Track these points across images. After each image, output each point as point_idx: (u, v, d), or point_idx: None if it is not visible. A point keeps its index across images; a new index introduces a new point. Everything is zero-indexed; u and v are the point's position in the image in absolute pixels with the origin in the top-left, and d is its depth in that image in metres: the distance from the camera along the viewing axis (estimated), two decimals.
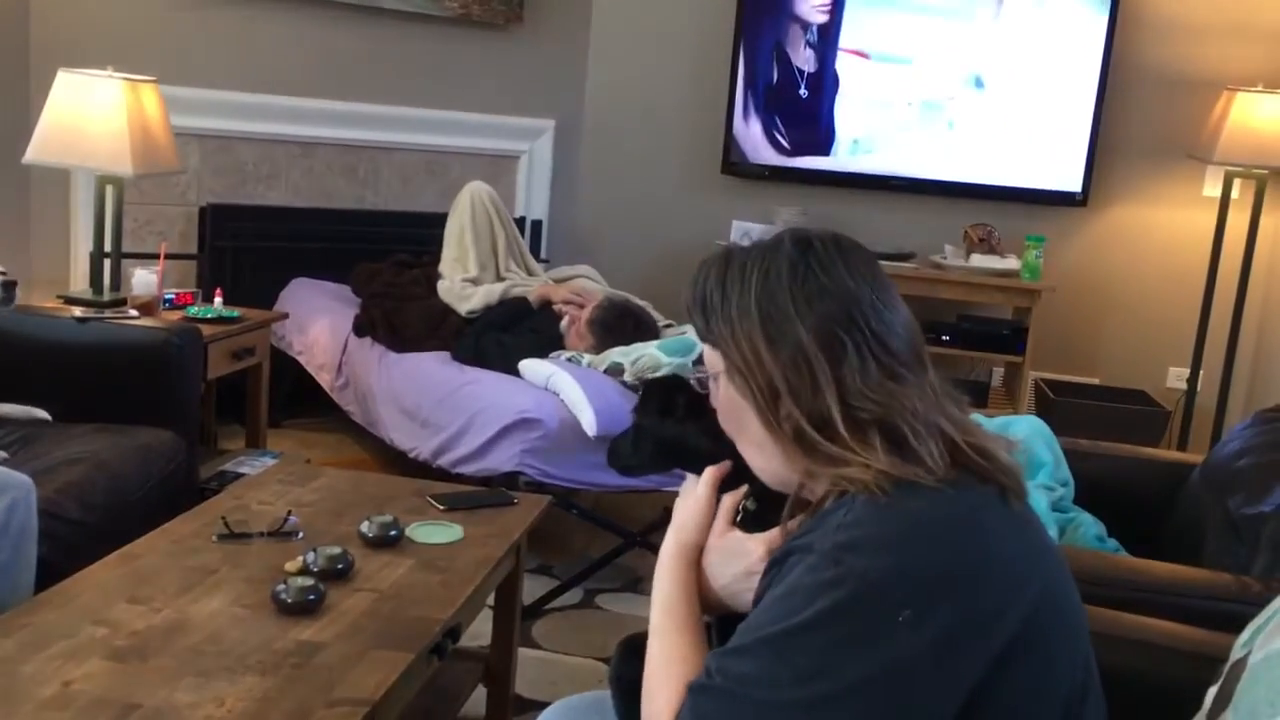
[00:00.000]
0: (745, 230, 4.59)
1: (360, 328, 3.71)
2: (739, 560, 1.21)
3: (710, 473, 1.28)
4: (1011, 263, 4.52)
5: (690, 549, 1.27)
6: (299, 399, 4.15)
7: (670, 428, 1.34)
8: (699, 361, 3.04)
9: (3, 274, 2.27)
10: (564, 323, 3.46)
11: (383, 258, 4.03)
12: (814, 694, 0.99)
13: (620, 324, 3.36)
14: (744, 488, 1.26)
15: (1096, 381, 4.71)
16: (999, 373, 4.89)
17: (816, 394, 1.10)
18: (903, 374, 1.11)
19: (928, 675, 0.99)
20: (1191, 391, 4.39)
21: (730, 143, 4.81)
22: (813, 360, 1.10)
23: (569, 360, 3.23)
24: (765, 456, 1.17)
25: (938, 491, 1.04)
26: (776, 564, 1.09)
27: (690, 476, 1.33)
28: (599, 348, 3.29)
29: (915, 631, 0.98)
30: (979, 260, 4.54)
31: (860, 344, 1.11)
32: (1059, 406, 4.25)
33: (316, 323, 3.93)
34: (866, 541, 1.02)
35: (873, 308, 1.13)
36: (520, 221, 4.55)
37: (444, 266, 3.77)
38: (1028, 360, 4.47)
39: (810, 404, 1.10)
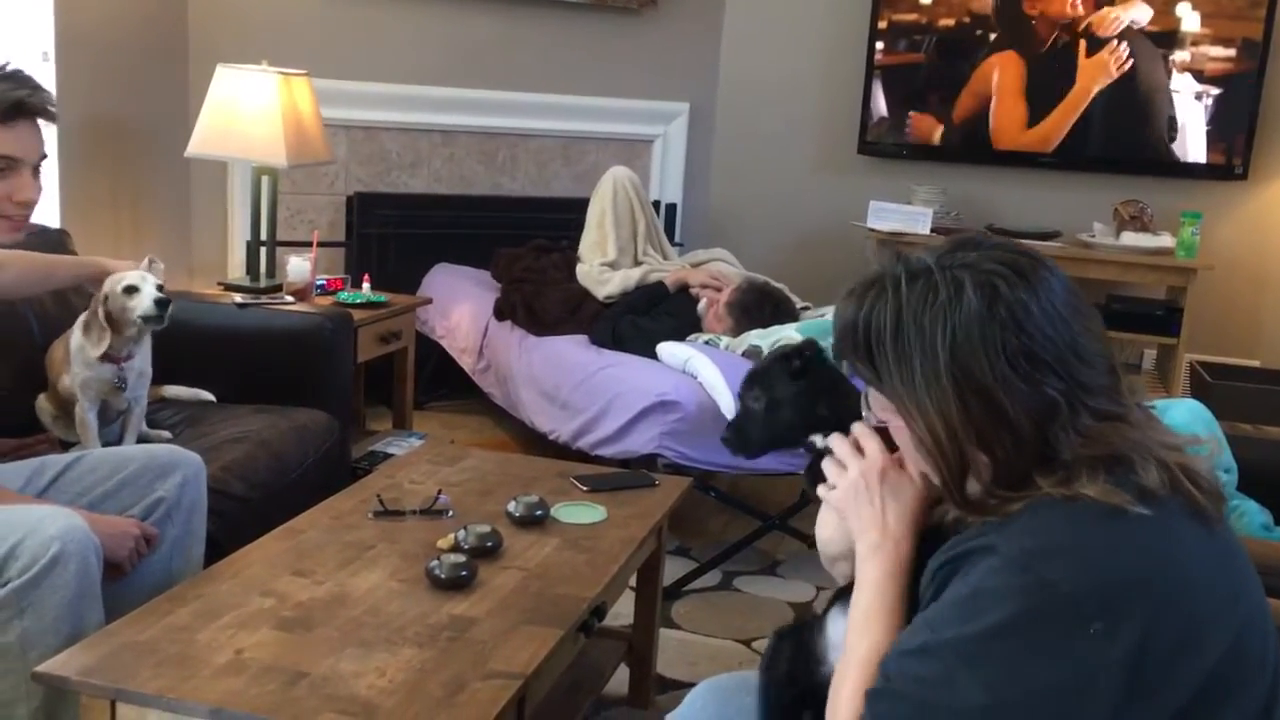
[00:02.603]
0: (881, 209, 4.51)
1: (500, 312, 3.79)
2: (862, 500, 1.18)
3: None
4: (1165, 240, 4.34)
5: (898, 545, 1.16)
6: (441, 382, 4.26)
7: (778, 396, 1.36)
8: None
9: (160, 287, 2.35)
10: (702, 305, 3.46)
11: (520, 243, 4.09)
12: (998, 700, 0.97)
13: (759, 306, 3.35)
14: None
15: (1257, 364, 4.49)
16: (1150, 355, 4.70)
17: (1020, 455, 1.05)
18: (1111, 408, 1.06)
19: (1118, 688, 0.96)
20: None
21: (866, 122, 4.74)
22: (1020, 428, 1.04)
23: (706, 343, 3.23)
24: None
25: (1135, 505, 1.00)
26: (953, 563, 1.06)
27: (825, 504, 1.27)
28: (737, 330, 3.29)
29: (1108, 643, 0.96)
30: (1130, 238, 4.37)
31: (1071, 396, 1.04)
32: (1217, 390, 4.06)
33: (458, 307, 4.03)
34: (1059, 550, 0.99)
35: (1074, 349, 1.05)
36: (655, 205, 4.56)
37: (583, 250, 3.81)
38: (1183, 342, 4.29)
39: (1015, 461, 1.05)
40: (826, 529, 1.27)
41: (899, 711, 1.02)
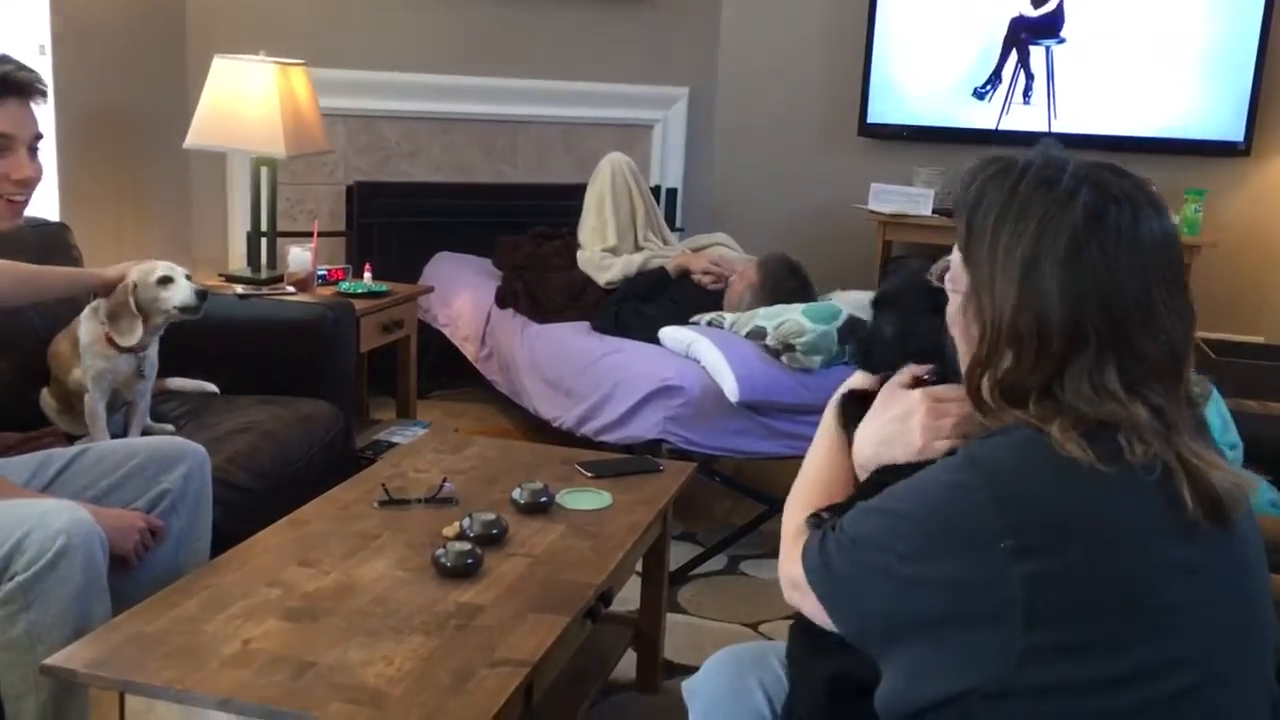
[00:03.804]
0: (883, 191, 4.49)
1: (502, 299, 3.79)
2: (898, 404, 1.27)
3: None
4: None
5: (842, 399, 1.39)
6: (444, 370, 4.26)
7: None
8: (847, 328, 3.00)
9: (188, 277, 2.37)
10: (733, 279, 3.47)
11: (521, 230, 4.09)
12: (905, 573, 1.07)
13: (790, 275, 3.36)
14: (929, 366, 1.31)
15: (1261, 340, 4.47)
16: None
17: (1035, 371, 1.07)
18: (1146, 390, 1.05)
19: (1019, 602, 1.00)
20: None
21: (867, 103, 4.72)
22: (1049, 342, 1.05)
23: (710, 324, 3.22)
24: (970, 358, 1.16)
25: (1096, 462, 1.01)
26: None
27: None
28: (758, 296, 3.29)
29: (1013, 560, 1.00)
30: None
31: (1107, 346, 1.04)
32: (1220, 367, 4.05)
33: (460, 295, 4.02)
34: (1002, 465, 1.05)
35: (1143, 311, 1.05)
36: (655, 190, 4.55)
37: (583, 237, 3.80)
38: None
39: (1025, 374, 1.07)
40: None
41: (836, 551, 1.14)
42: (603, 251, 3.72)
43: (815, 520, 1.27)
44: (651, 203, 3.94)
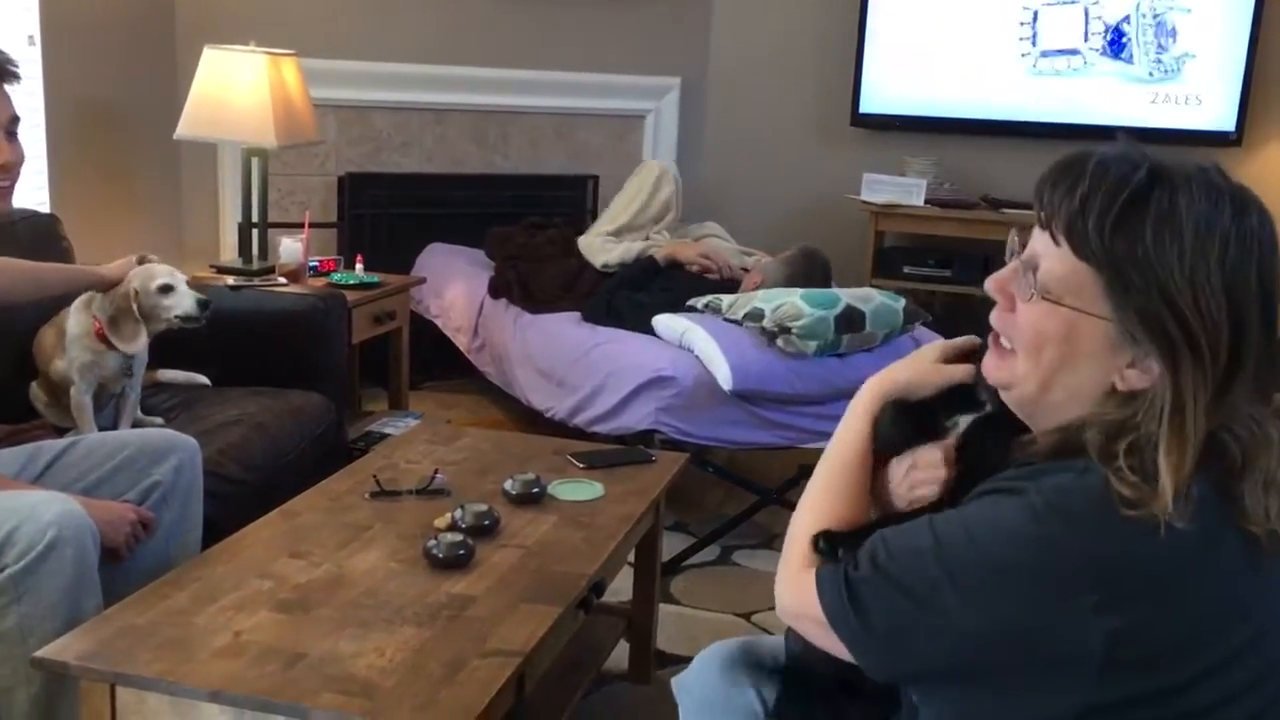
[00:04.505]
0: (875, 181, 4.49)
1: (495, 290, 3.78)
2: (896, 468, 1.22)
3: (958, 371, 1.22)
4: None
5: (883, 391, 1.24)
6: (437, 362, 4.25)
7: None
8: (844, 316, 3.00)
9: (182, 278, 2.38)
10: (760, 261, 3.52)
11: (513, 221, 4.08)
12: (965, 623, 1.00)
13: (819, 267, 3.40)
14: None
15: None
16: None
17: (1199, 384, 0.98)
18: (1265, 417, 1.02)
19: (1089, 660, 0.97)
20: None
21: (859, 94, 4.71)
22: (1241, 358, 0.98)
23: (708, 306, 3.21)
24: (1044, 377, 1.05)
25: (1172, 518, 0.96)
26: (976, 497, 1.06)
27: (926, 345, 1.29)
28: (784, 266, 3.33)
29: (1094, 616, 0.96)
30: None
31: (1260, 358, 1.00)
32: None
33: (452, 286, 4.02)
34: (1081, 516, 0.98)
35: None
36: None
37: (597, 223, 3.81)
38: None
39: (1185, 390, 0.99)
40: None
41: (879, 598, 1.04)
42: (605, 236, 3.73)
43: (827, 547, 1.16)
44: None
